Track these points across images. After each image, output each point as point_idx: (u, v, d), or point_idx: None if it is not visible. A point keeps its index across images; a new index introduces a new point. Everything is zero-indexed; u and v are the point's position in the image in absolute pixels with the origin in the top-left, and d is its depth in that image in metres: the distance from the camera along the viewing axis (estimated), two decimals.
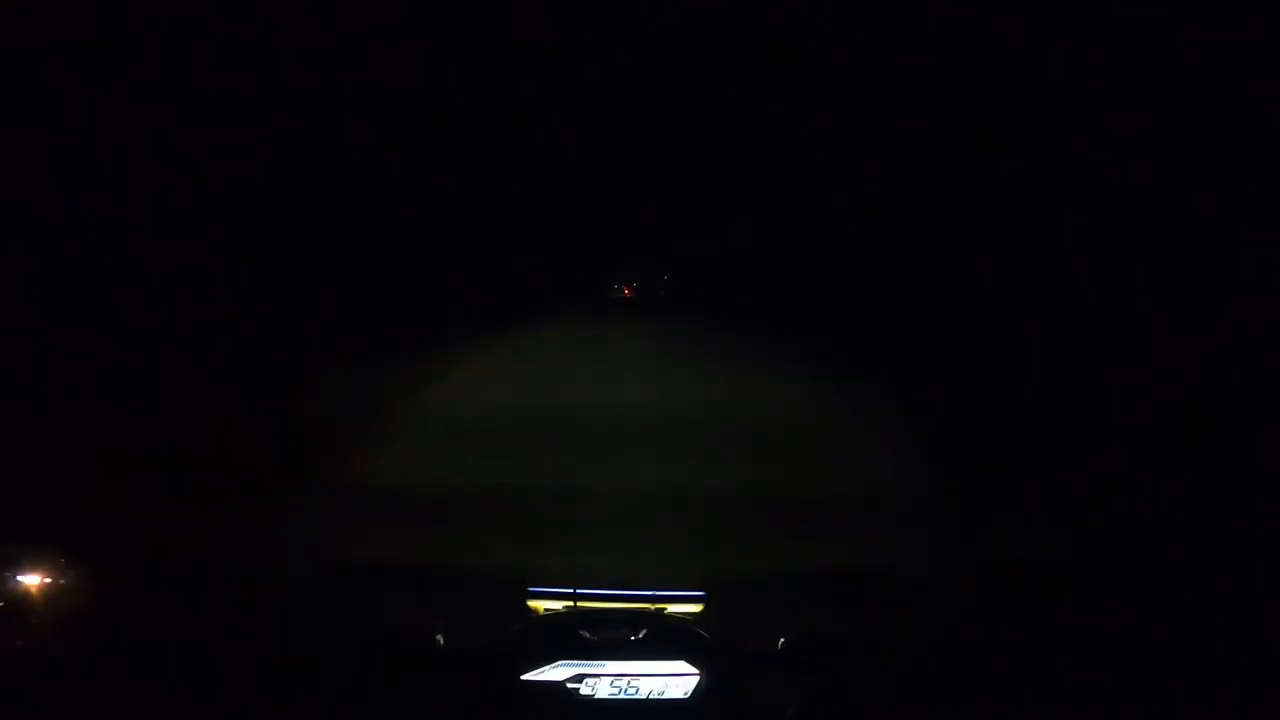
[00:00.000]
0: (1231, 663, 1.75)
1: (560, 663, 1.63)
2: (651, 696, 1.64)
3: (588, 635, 1.68)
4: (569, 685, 1.63)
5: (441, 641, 1.74)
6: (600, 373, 6.43)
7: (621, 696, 1.63)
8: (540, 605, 1.83)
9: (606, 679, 1.63)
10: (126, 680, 1.86)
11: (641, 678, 1.64)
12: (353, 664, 1.85)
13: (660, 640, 1.68)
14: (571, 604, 1.78)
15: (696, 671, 1.64)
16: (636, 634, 1.69)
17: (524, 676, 1.63)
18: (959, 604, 2.11)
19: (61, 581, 2.16)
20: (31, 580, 2.12)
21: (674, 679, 1.65)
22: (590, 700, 1.63)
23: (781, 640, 1.79)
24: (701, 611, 1.82)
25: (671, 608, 1.84)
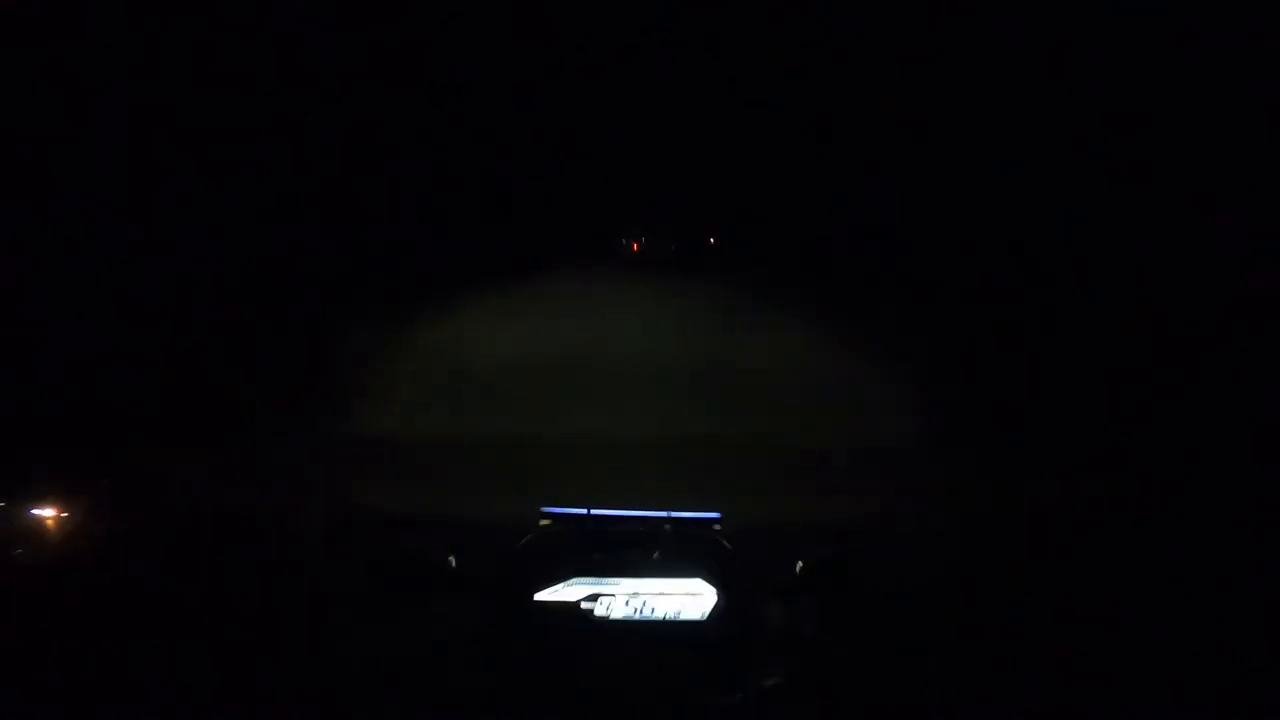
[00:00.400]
0: (1232, 656, 1.73)
1: (574, 580, 1.59)
2: (668, 617, 1.61)
3: (601, 555, 1.64)
4: (583, 605, 1.59)
5: (454, 563, 1.71)
6: (608, 326, 6.37)
7: (637, 617, 1.60)
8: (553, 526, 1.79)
9: (621, 598, 1.59)
10: (139, 628, 1.87)
11: (657, 597, 1.60)
12: (367, 591, 1.84)
13: (675, 559, 1.64)
14: (584, 521, 1.73)
15: (712, 590, 1.61)
16: (651, 553, 1.65)
17: (536, 597, 1.59)
18: (960, 548, 2.11)
19: (70, 516, 2.20)
20: (46, 513, 2.16)
21: (690, 599, 1.61)
22: (605, 621, 1.58)
23: (800, 564, 1.76)
24: (718, 530, 1.77)
25: (688, 529, 1.78)
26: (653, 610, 1.60)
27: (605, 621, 1.59)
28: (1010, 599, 1.91)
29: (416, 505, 2.41)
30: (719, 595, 1.61)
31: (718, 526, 1.72)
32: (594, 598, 1.59)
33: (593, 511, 1.71)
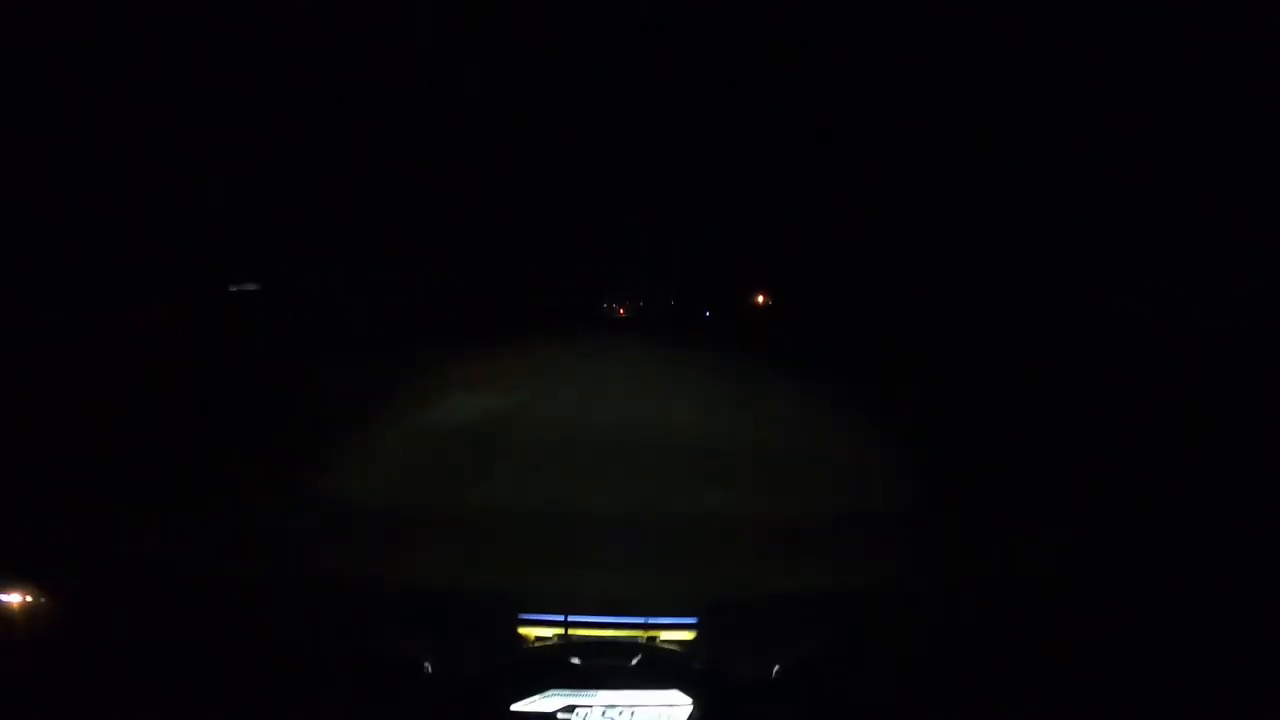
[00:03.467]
0: (1231, 664, 1.74)
1: (551, 692, 1.59)
2: None
3: (579, 664, 1.65)
4: (560, 716, 1.59)
5: (429, 669, 1.70)
6: (591, 393, 6.40)
7: None
8: (531, 632, 1.80)
9: (598, 709, 1.59)
10: (106, 703, 1.81)
11: (634, 708, 1.60)
12: (339, 691, 1.81)
13: (653, 669, 1.65)
14: (562, 631, 1.74)
15: (690, 701, 1.61)
16: (629, 662, 1.65)
17: (514, 707, 1.59)
18: (953, 622, 2.09)
19: (42, 600, 2.12)
20: (12, 599, 2.08)
21: (667, 709, 1.61)
22: None
23: (776, 668, 1.76)
24: (694, 638, 1.79)
25: (664, 635, 1.80)
26: None
27: None
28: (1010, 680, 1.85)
29: (393, 576, 2.38)
30: (694, 706, 1.61)
31: (694, 634, 1.73)
32: (570, 709, 1.59)
33: (570, 618, 1.71)
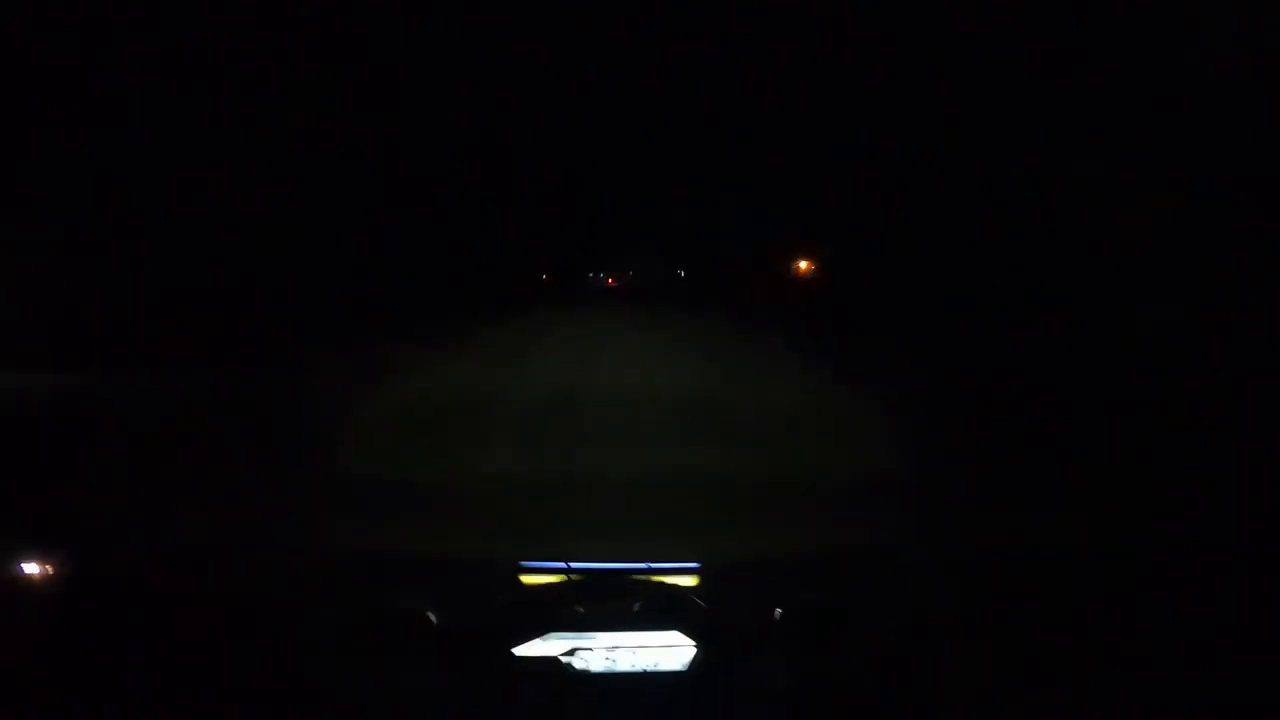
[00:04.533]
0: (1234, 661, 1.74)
1: (552, 635, 1.59)
2: (646, 670, 1.61)
3: (580, 609, 1.65)
4: (562, 659, 1.59)
5: (434, 619, 1.71)
6: (589, 359, 6.41)
7: (616, 669, 1.60)
8: (532, 580, 1.80)
9: (600, 652, 1.60)
10: (115, 679, 1.83)
11: (636, 649, 1.61)
12: (341, 646, 1.82)
13: (654, 612, 1.65)
14: (564, 578, 1.74)
15: (693, 643, 1.62)
16: (630, 605, 1.66)
17: (516, 651, 1.59)
18: (952, 584, 2.10)
19: (50, 571, 2.14)
20: (31, 570, 2.10)
21: (670, 651, 1.62)
22: (584, 674, 1.59)
23: (778, 612, 1.77)
24: (696, 583, 1.79)
25: (665, 580, 1.80)
26: (631, 664, 1.61)
27: (584, 674, 1.59)
28: (1006, 641, 1.87)
29: (396, 546, 2.39)
30: (698, 647, 1.61)
31: (696, 579, 1.74)
32: (572, 652, 1.60)
33: (572, 565, 1.72)
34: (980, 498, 3.27)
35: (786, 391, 5.88)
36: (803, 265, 23.99)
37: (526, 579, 1.73)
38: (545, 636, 1.60)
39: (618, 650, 1.60)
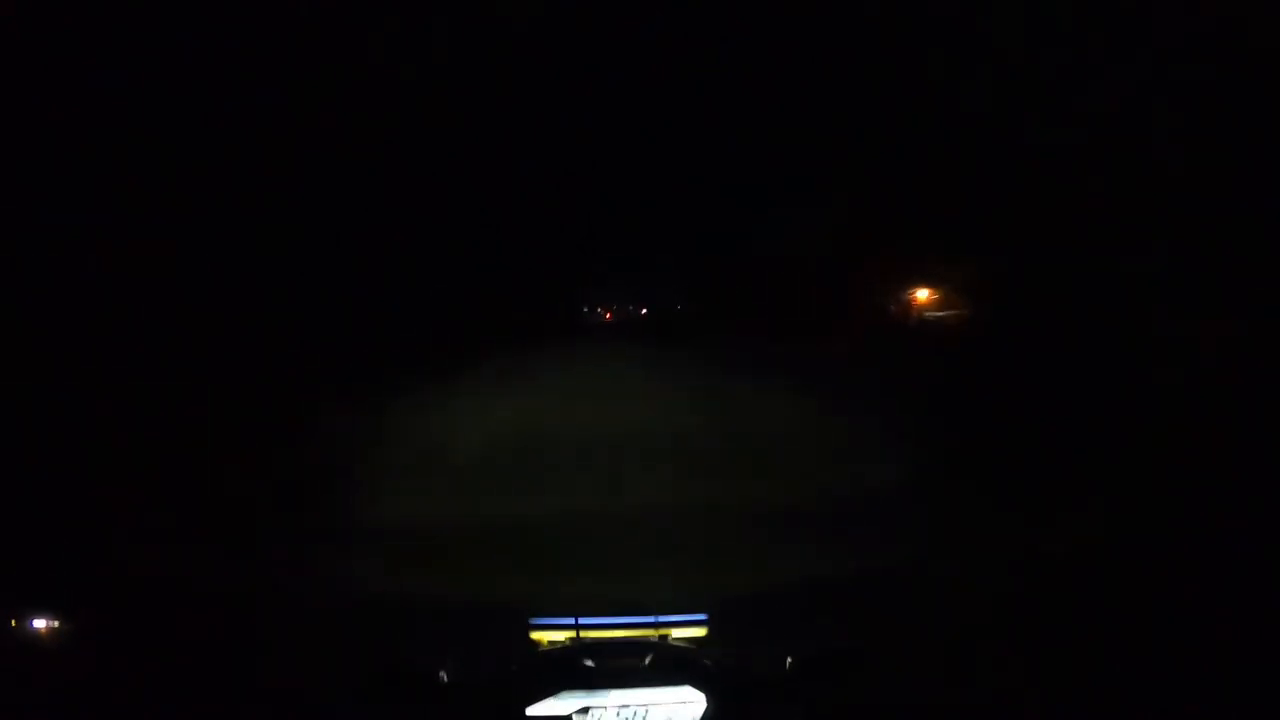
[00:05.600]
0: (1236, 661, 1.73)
1: (565, 694, 1.61)
2: None
3: (591, 665, 1.67)
4: (574, 718, 1.61)
5: (445, 677, 1.72)
6: (591, 398, 6.43)
7: None
8: (543, 636, 1.82)
9: (612, 710, 1.61)
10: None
11: (648, 707, 1.62)
12: (358, 701, 1.84)
13: (664, 667, 1.67)
14: (574, 634, 1.76)
15: (703, 697, 1.63)
16: (640, 662, 1.67)
17: (529, 710, 1.61)
18: (964, 606, 2.08)
19: (68, 626, 2.17)
20: (40, 624, 2.13)
21: (680, 706, 1.63)
22: None
23: (789, 660, 1.77)
24: (705, 634, 1.81)
25: (674, 632, 1.82)
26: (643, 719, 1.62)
27: None
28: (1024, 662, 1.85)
29: (410, 593, 2.41)
30: (709, 701, 1.63)
31: (705, 630, 1.75)
32: (585, 710, 1.61)
33: (580, 620, 1.73)
34: (989, 511, 3.25)
35: (781, 414, 5.88)
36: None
37: (537, 635, 1.75)
38: (558, 695, 1.61)
39: (629, 708, 1.61)
